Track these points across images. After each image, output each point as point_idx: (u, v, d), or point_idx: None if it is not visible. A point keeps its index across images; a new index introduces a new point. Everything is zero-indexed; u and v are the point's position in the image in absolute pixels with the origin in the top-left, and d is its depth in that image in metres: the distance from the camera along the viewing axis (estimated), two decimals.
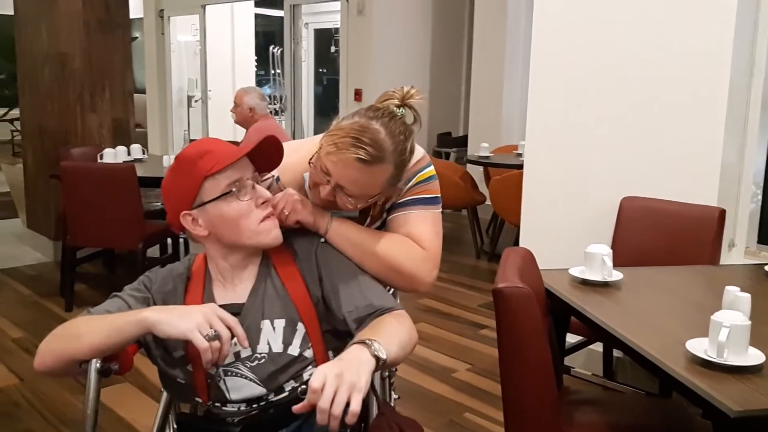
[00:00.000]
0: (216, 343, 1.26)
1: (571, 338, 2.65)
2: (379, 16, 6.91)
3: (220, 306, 1.34)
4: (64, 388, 3.07)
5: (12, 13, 5.32)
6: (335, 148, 1.38)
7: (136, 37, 8.30)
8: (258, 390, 1.39)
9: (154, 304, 1.43)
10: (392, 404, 1.84)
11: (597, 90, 3.02)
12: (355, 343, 1.21)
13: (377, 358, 1.17)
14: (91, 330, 1.33)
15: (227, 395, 1.40)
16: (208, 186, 1.36)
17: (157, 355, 1.43)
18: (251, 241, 1.40)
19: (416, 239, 1.52)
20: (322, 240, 1.49)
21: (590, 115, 3.05)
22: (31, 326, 3.83)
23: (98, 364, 1.34)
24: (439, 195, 1.60)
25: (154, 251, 4.55)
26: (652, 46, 2.85)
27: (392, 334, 1.29)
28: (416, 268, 1.51)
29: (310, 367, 1.40)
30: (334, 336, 1.43)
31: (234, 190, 1.37)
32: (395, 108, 1.45)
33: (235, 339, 1.30)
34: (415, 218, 1.54)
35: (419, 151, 1.56)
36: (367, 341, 1.19)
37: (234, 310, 1.37)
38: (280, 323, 1.40)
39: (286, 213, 1.45)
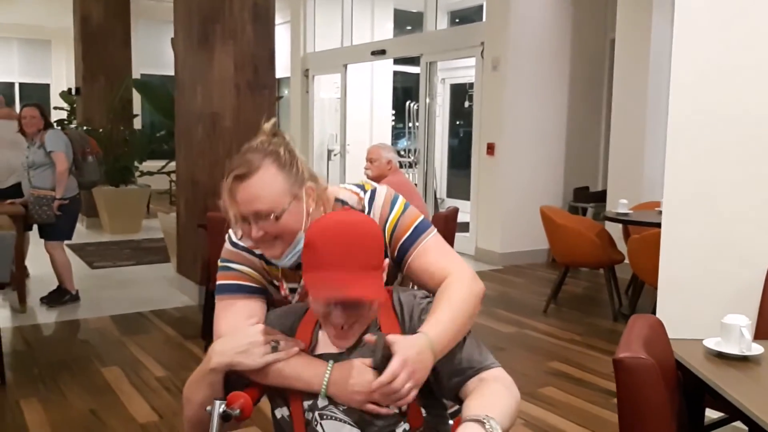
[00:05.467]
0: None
1: (712, 413, 2.45)
2: (513, 72, 6.93)
3: (318, 355, 1.44)
4: None
5: (173, 74, 5.86)
6: (223, 190, 1.44)
7: (281, 97, 8.83)
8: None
9: None
10: None
11: (744, 149, 2.84)
12: (470, 420, 1.20)
13: None
14: None
15: None
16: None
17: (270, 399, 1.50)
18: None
19: (440, 273, 1.51)
20: (425, 302, 1.50)
21: (736, 175, 2.87)
22: (174, 366, 4.07)
23: (221, 409, 1.39)
24: (421, 216, 1.57)
25: None
26: None
27: (505, 404, 1.30)
28: (475, 292, 1.50)
29: (402, 422, 1.41)
30: (426, 391, 1.42)
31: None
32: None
33: None
34: (424, 255, 1.53)
35: (380, 194, 1.57)
36: (483, 419, 1.19)
37: (329, 358, 1.43)
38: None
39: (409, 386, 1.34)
